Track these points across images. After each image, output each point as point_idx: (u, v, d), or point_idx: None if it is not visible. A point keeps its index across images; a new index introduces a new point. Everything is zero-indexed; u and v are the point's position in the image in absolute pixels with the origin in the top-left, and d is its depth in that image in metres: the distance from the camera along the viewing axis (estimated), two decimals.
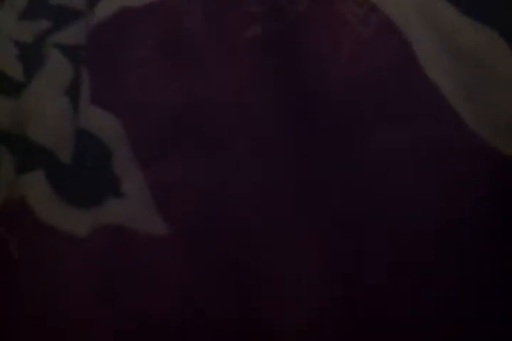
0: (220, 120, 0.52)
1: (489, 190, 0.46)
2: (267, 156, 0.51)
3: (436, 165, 0.47)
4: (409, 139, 0.48)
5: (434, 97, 0.49)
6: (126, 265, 0.51)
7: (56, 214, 0.53)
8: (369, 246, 0.47)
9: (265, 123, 0.51)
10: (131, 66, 0.57)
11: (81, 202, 0.54)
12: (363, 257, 0.47)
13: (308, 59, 0.52)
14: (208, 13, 0.58)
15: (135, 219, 0.52)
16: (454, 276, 0.45)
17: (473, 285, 0.45)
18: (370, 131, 0.49)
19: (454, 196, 0.46)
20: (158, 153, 0.53)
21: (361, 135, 0.49)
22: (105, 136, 0.55)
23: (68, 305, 0.50)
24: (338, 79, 0.50)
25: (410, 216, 0.47)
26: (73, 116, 0.57)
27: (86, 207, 0.53)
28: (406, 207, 0.47)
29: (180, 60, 0.56)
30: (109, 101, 0.56)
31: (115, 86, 0.56)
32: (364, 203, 0.48)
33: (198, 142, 0.53)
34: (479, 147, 0.47)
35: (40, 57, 0.63)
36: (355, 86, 0.50)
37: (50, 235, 0.52)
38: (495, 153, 0.47)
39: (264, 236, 0.49)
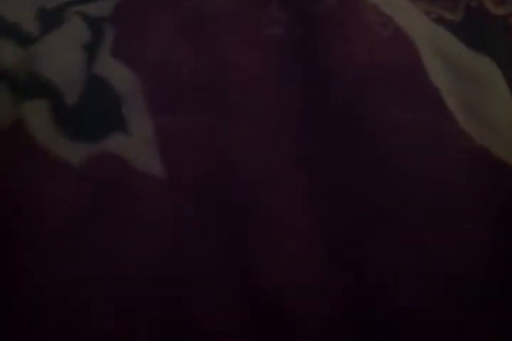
0: (235, 86, 0.55)
1: (477, 186, 0.50)
2: (274, 120, 0.53)
3: (427, 150, 0.51)
4: (405, 121, 0.52)
5: (434, 96, 0.54)
6: (114, 197, 0.50)
7: (52, 140, 0.52)
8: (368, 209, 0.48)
9: (278, 93, 0.54)
10: (157, 30, 0.59)
11: (81, 137, 0.53)
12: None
13: (328, 49, 0.56)
14: (235, 8, 0.63)
15: (134, 155, 0.51)
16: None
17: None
18: (370, 110, 0.53)
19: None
20: (170, 106, 0.54)
21: (363, 112, 0.53)
22: (119, 85, 0.56)
23: (47, 230, 0.48)
24: (353, 66, 0.55)
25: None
26: (88, 64, 0.58)
27: (85, 141, 0.53)
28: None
29: (204, 35, 0.59)
30: (128, 56, 0.57)
31: (138, 44, 0.58)
32: (364, 168, 0.50)
33: (211, 102, 0.55)
34: (470, 144, 0.52)
35: (59, 20, 0.65)
36: (366, 75, 0.54)
37: (42, 157, 0.51)
38: (486, 152, 0.51)
39: (264, 190, 0.49)
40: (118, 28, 0.60)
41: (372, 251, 0.47)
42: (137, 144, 0.52)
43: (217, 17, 0.61)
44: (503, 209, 0.50)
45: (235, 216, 0.48)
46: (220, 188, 0.49)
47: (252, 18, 0.62)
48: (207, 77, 0.56)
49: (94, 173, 0.50)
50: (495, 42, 0.59)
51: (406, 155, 0.50)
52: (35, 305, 0.47)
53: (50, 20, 0.65)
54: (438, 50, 0.58)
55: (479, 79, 0.56)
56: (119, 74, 0.56)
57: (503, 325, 0.45)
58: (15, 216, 0.48)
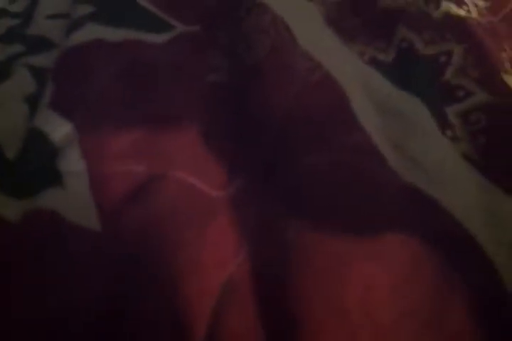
0: (169, 136, 0.57)
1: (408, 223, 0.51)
2: (205, 166, 0.55)
3: (356, 191, 0.53)
4: (335, 165, 0.53)
5: (362, 138, 0.55)
6: (51, 252, 0.51)
7: None
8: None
9: (210, 141, 0.57)
10: (94, 84, 0.62)
11: (19, 193, 0.55)
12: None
13: (258, 96, 0.58)
14: (176, 58, 0.65)
15: (70, 209, 0.53)
16: None
17: None
18: (300, 154, 0.54)
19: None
20: (105, 157, 0.56)
21: (292, 156, 0.54)
22: (56, 137, 0.58)
23: None
24: (280, 112, 0.57)
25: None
26: (28, 118, 0.61)
27: (23, 197, 0.55)
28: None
29: (141, 85, 0.61)
30: (66, 108, 0.59)
31: (74, 97, 0.61)
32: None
33: (145, 151, 0.56)
34: (399, 183, 0.53)
35: (6, 71, 0.67)
36: (292, 120, 0.56)
37: None
38: (414, 189, 0.53)
39: (192, 240, 0.51)
40: (57, 81, 0.62)
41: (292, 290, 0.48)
42: (73, 198, 0.53)
43: (159, 67, 0.64)
44: (433, 241, 0.51)
45: (165, 263, 0.50)
46: (151, 242, 0.51)
47: (193, 66, 0.64)
48: (143, 127, 0.57)
49: (31, 230, 0.52)
50: (423, 81, 0.61)
51: (334, 198, 0.52)
52: None
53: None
54: (368, 92, 0.60)
55: (407, 118, 0.57)
56: (56, 127, 0.58)
57: None
58: None
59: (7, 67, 0.68)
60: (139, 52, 0.64)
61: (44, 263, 0.51)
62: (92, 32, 0.66)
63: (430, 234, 0.51)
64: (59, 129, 0.58)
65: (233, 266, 0.48)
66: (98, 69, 0.63)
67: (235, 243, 0.50)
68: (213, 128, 0.58)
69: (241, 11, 0.66)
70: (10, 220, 0.53)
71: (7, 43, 0.71)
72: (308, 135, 0.55)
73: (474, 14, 0.66)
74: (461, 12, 0.66)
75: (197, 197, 0.53)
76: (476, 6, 0.66)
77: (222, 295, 0.47)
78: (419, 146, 0.55)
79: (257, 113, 0.57)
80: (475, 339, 0.46)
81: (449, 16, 0.65)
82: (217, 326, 0.45)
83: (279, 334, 0.45)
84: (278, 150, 0.55)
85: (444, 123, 0.57)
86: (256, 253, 0.49)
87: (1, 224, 0.53)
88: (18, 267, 0.51)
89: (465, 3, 0.66)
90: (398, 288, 0.48)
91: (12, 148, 0.58)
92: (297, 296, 0.45)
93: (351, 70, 0.61)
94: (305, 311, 0.44)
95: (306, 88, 0.57)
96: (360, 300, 0.45)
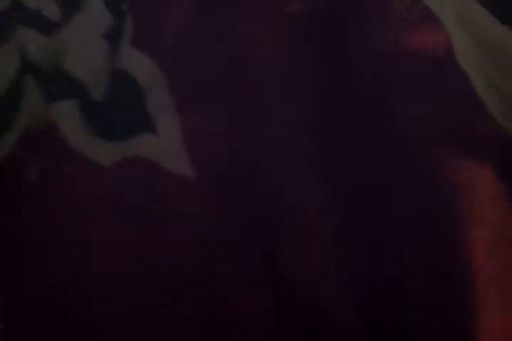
0: (259, 80, 0.55)
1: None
2: (297, 118, 0.53)
3: (455, 145, 0.51)
4: (433, 114, 0.51)
5: (464, 85, 0.53)
6: (145, 198, 0.51)
7: (84, 141, 0.53)
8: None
9: (301, 88, 0.54)
10: (176, 18, 0.58)
11: (111, 136, 0.54)
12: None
13: (351, 34, 0.55)
14: None
15: (163, 156, 0.52)
16: None
17: None
18: (398, 102, 0.52)
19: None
20: (195, 100, 0.55)
21: (390, 105, 0.52)
22: (142, 78, 0.56)
23: (81, 229, 0.50)
24: (378, 54, 0.54)
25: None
26: (110, 57, 0.58)
27: (116, 141, 0.54)
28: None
29: (225, 22, 0.58)
30: (147, 45, 0.57)
31: (157, 33, 0.58)
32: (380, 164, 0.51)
33: (235, 96, 0.54)
34: (501, 136, 0.51)
35: (79, 2, 0.64)
36: (393, 62, 0.53)
37: (76, 159, 0.52)
38: None
39: (287, 187, 0.50)
40: (136, 13, 0.59)
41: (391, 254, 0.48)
42: (166, 145, 0.52)
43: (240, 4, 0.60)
44: None
45: (263, 218, 0.50)
46: (247, 189, 0.51)
47: None
48: (229, 69, 0.55)
49: (122, 175, 0.51)
50: None
51: (428, 151, 0.50)
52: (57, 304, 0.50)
53: (69, 3, 0.64)
54: (464, 24, 0.56)
55: (507, 55, 0.54)
56: (141, 67, 0.56)
57: None
58: (51, 218, 0.51)
59: None
60: None
61: (132, 209, 0.51)
62: None
63: None
64: (145, 70, 0.56)
65: None
66: (177, 2, 0.59)
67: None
68: (296, 69, 0.55)
69: None
70: (104, 165, 0.53)
71: None
72: (408, 84, 0.52)
73: None
74: None
75: (284, 148, 0.52)
76: None
77: None
78: None
79: (350, 55, 0.54)
80: None
81: None
82: None
83: None
84: (374, 100, 0.53)
85: None
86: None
87: (91, 167, 0.53)
88: (104, 213, 0.51)
89: None
90: None
91: (98, 90, 0.57)
92: None
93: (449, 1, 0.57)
94: None
95: (405, 30, 0.54)
96: None
